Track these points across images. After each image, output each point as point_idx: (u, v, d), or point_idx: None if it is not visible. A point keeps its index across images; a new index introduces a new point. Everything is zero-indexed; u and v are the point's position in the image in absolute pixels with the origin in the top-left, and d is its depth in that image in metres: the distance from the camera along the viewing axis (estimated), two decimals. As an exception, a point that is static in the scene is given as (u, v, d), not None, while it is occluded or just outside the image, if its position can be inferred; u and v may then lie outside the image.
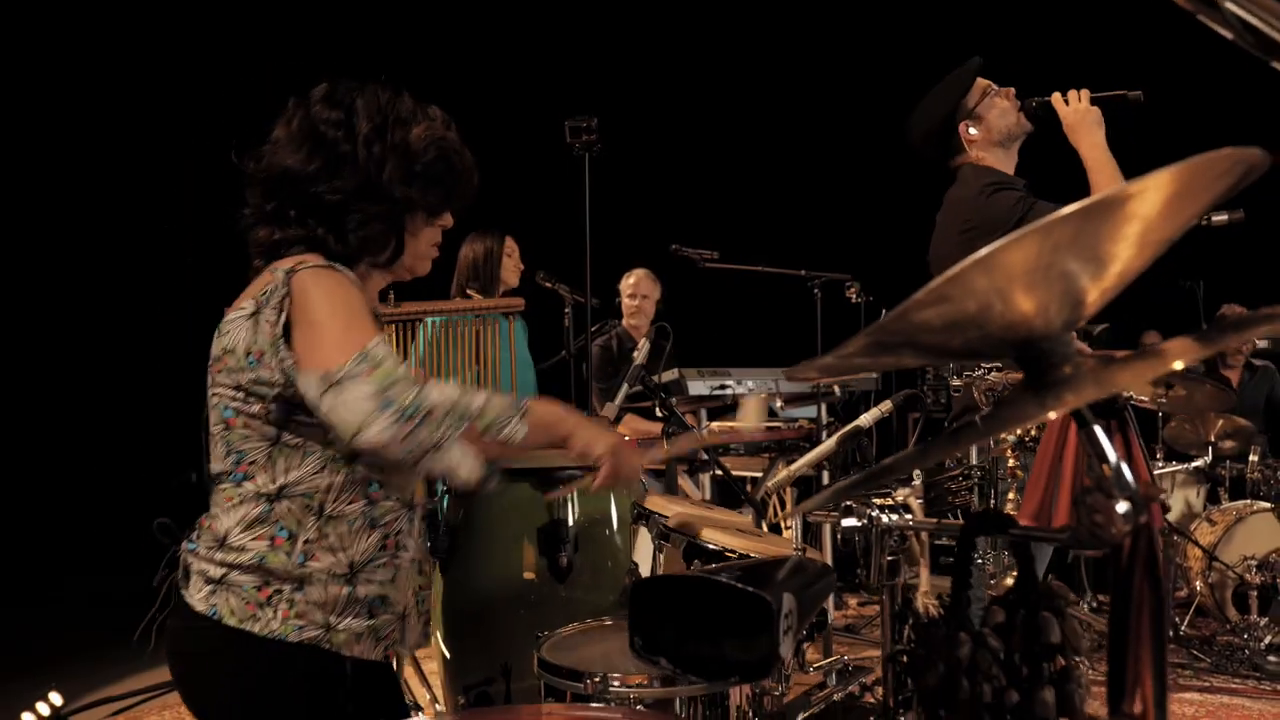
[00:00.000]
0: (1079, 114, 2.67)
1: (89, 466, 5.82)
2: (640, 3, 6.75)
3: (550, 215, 4.47)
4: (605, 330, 4.92)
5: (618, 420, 2.75)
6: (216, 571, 1.46)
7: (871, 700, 1.85)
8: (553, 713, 1.25)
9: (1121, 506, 0.79)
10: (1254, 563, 4.48)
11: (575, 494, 1.94)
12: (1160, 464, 5.07)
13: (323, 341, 1.40)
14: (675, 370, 4.41)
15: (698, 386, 4.47)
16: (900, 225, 3.30)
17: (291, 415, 1.43)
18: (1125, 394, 1.32)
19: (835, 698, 1.60)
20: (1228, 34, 0.73)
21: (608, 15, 6.65)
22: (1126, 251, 0.76)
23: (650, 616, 1.19)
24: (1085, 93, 2.70)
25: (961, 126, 2.87)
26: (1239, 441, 5.03)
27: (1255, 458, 4.90)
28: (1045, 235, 0.73)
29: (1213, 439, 5.02)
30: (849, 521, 1.10)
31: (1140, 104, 2.68)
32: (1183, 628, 4.68)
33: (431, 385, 1.40)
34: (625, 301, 5.08)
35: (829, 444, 1.68)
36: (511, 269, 4.04)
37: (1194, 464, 5.06)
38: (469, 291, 3.62)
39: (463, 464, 1.40)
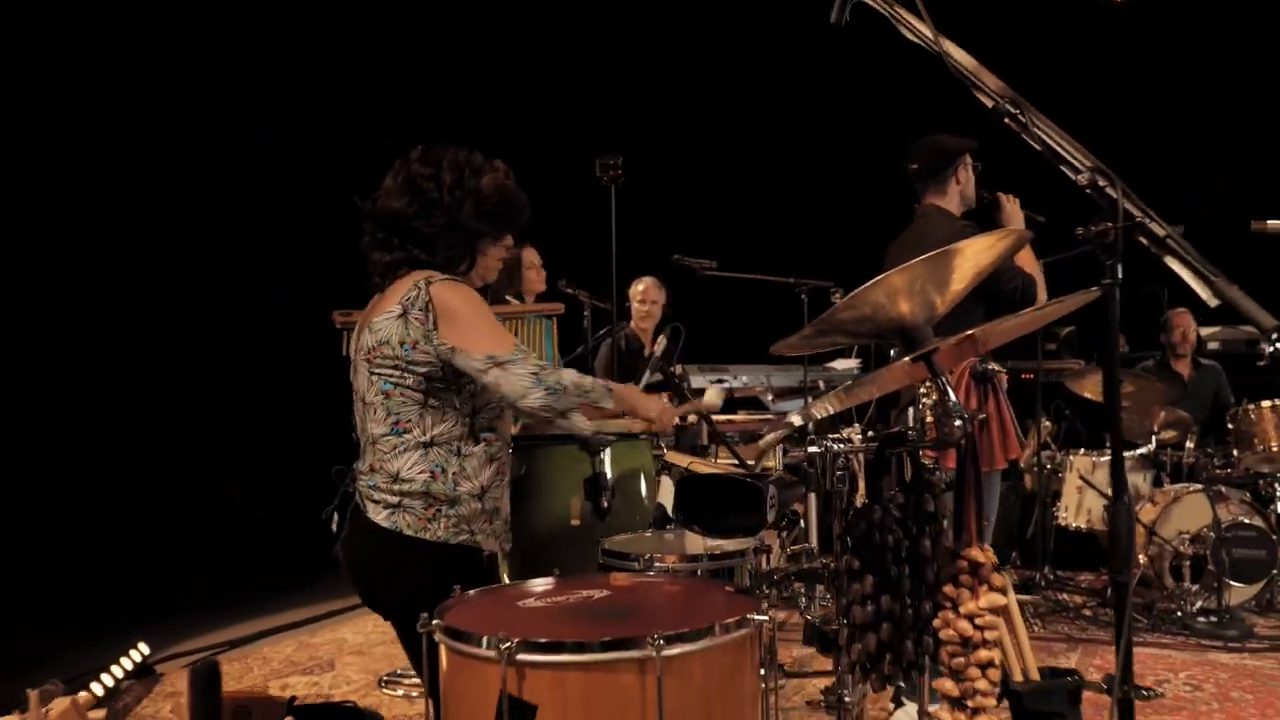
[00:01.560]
0: (1011, 213, 3.38)
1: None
2: (649, 48, 7.28)
3: (570, 230, 5.03)
4: (613, 330, 5.50)
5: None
6: (394, 499, 2.03)
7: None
8: (619, 579, 1.84)
9: (958, 423, 1.39)
10: (1188, 537, 5.07)
11: (611, 452, 2.55)
12: (1110, 450, 5.68)
13: (481, 334, 2.00)
14: (679, 365, 5.00)
15: (698, 380, 5.06)
16: (874, 241, 3.87)
17: (434, 385, 2.04)
18: (994, 368, 1.88)
19: (807, 565, 2.17)
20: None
21: (621, 57, 7.18)
22: (958, 283, 1.37)
23: (689, 502, 1.81)
24: (1016, 201, 3.45)
25: (957, 170, 3.53)
26: (1179, 431, 5.63)
27: (1191, 444, 5.50)
28: (913, 270, 1.34)
29: (1156, 429, 5.61)
30: (813, 449, 1.69)
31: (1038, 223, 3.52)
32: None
33: (564, 371, 2.03)
34: (635, 306, 5.65)
35: (792, 421, 2.28)
36: (535, 276, 4.63)
37: (1139, 451, 5.67)
38: (507, 297, 4.21)
39: (578, 421, 2.05)
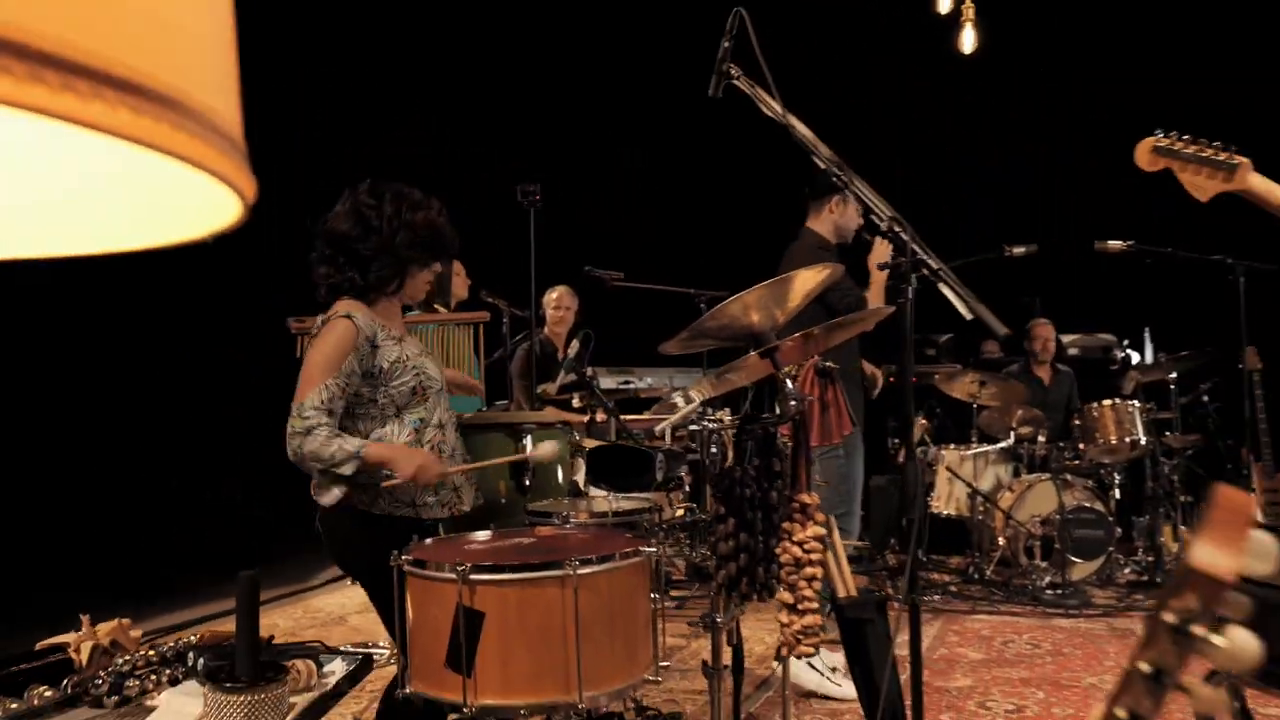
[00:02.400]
0: (877, 253, 3.94)
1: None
2: (570, 87, 7.80)
3: (492, 245, 5.46)
4: (529, 336, 5.97)
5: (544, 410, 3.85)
6: (346, 482, 2.45)
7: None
8: (542, 530, 2.32)
9: (794, 403, 1.91)
10: (1039, 520, 5.75)
11: (532, 438, 3.01)
12: (975, 445, 6.35)
13: (302, 381, 2.39)
14: (590, 367, 5.49)
15: (607, 381, 5.56)
16: (763, 255, 4.42)
17: (353, 404, 2.47)
18: (830, 365, 2.38)
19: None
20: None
21: (544, 95, 7.70)
22: (792, 301, 1.89)
23: (598, 468, 2.30)
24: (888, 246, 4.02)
25: (836, 200, 4.07)
26: (1034, 427, 6.32)
27: (1043, 438, 6.19)
28: (759, 291, 1.85)
29: (1014, 425, 6.30)
30: (693, 427, 2.20)
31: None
32: (988, 572, 5.95)
33: (334, 443, 2.31)
34: (550, 312, 6.12)
35: (684, 412, 2.79)
36: (460, 284, 5.06)
37: (1000, 445, 6.35)
38: (437, 305, 4.64)
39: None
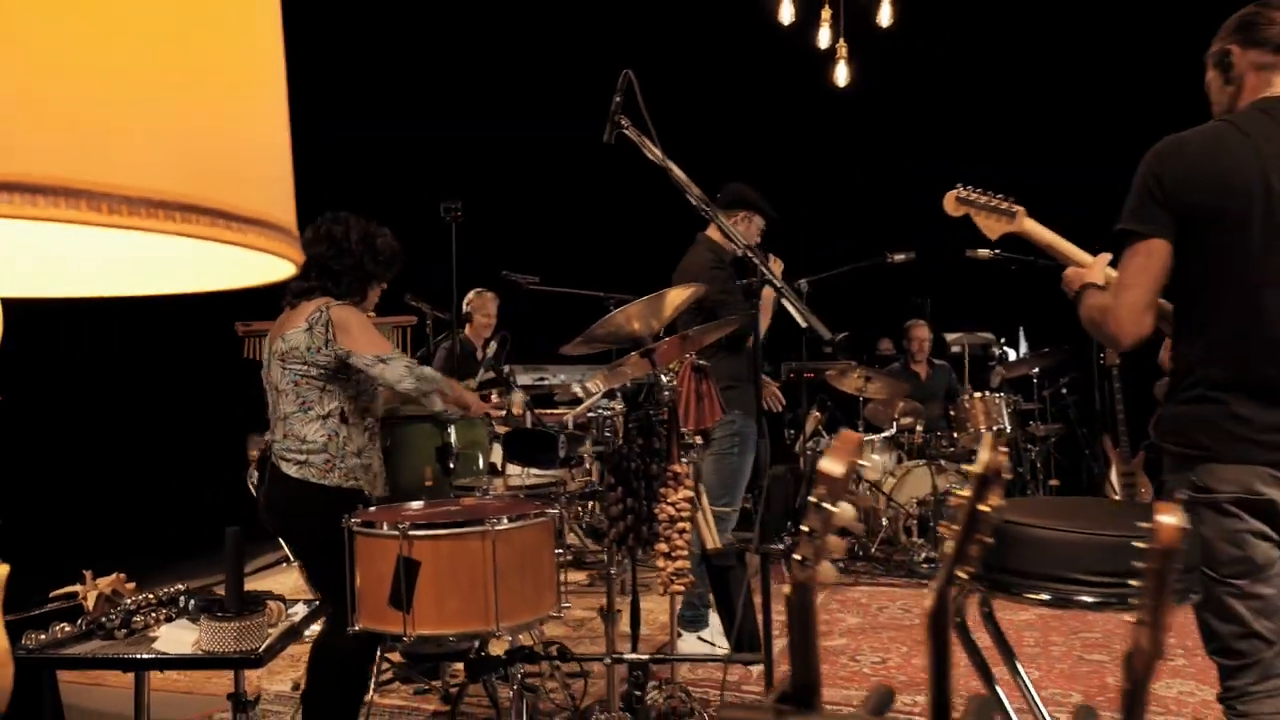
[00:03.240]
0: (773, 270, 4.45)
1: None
2: (493, 105, 8.30)
3: (414, 252, 5.88)
4: (450, 337, 6.38)
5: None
6: (301, 457, 2.85)
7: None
8: (466, 500, 2.78)
9: (667, 393, 2.41)
10: (916, 501, 6.38)
11: (455, 428, 3.46)
12: (862, 435, 6.96)
13: (368, 342, 2.86)
14: (507, 366, 5.93)
15: (523, 378, 6.01)
16: (666, 261, 4.92)
17: (328, 377, 2.90)
18: (701, 360, 2.85)
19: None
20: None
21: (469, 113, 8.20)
22: (666, 310, 2.39)
23: (512, 448, 2.77)
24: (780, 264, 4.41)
25: (740, 215, 4.53)
26: (913, 418, 6.96)
27: (920, 428, 6.83)
28: (640, 304, 2.34)
29: (896, 416, 6.92)
30: (591, 414, 2.68)
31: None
32: (873, 549, 6.55)
33: (424, 368, 2.90)
34: (479, 318, 6.52)
35: (587, 403, 3.27)
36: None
37: (884, 435, 6.97)
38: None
39: (435, 401, 2.93)
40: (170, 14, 0.77)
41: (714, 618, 4.33)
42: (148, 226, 0.76)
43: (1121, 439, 7.85)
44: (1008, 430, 6.66)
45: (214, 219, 0.80)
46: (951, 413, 6.86)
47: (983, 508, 1.09)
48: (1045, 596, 1.88)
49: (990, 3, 8.01)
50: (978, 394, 6.75)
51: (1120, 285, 2.10)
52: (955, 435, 6.76)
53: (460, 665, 3.36)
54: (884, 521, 6.60)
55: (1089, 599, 1.88)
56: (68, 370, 5.26)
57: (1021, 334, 8.89)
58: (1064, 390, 7.06)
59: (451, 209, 4.25)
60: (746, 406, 4.25)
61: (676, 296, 2.32)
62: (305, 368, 2.89)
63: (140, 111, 0.76)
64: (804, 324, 2.39)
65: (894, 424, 6.91)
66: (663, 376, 2.35)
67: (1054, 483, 7.71)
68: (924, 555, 6.26)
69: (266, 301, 3.12)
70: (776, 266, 4.38)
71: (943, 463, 6.57)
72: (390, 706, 3.74)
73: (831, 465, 1.07)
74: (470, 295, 6.65)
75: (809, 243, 8.81)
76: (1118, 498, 7.82)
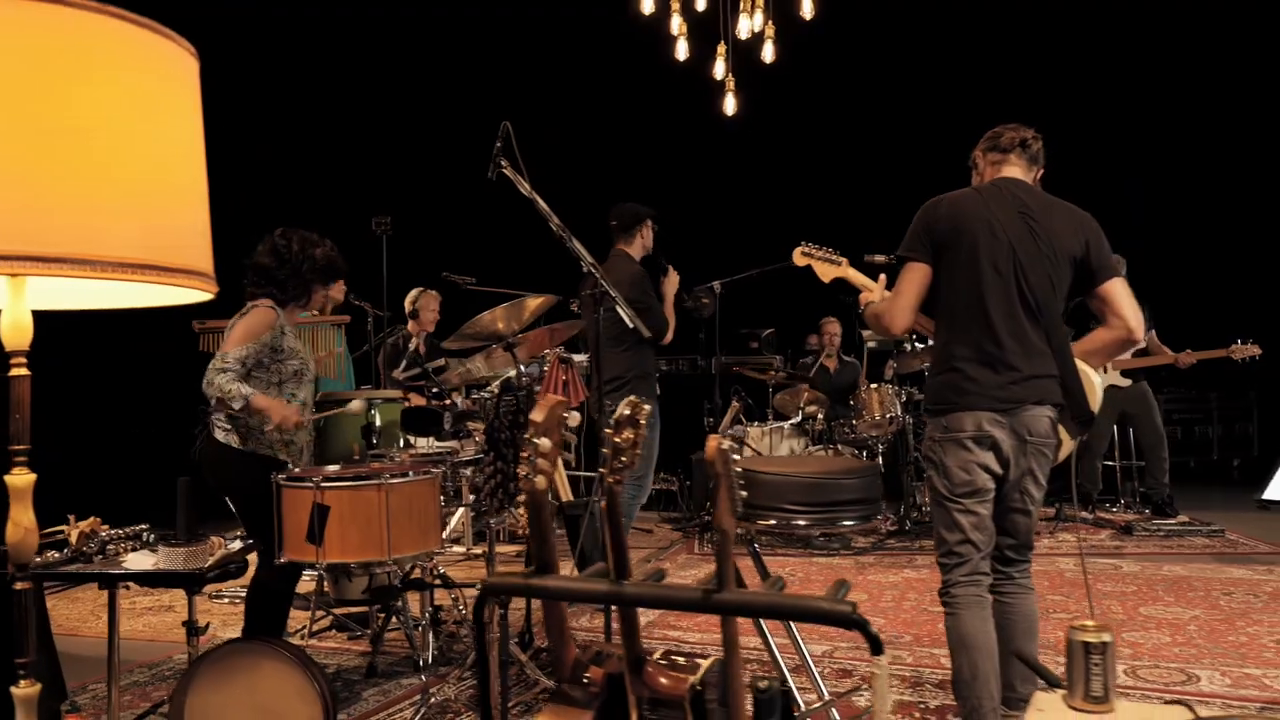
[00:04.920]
0: (673, 282, 5.09)
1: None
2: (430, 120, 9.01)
3: (357, 256, 6.54)
4: (394, 333, 7.05)
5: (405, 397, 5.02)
6: (228, 426, 3.48)
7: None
8: (375, 464, 3.46)
9: (524, 378, 3.10)
10: (814, 481, 7.09)
11: (379, 408, 4.13)
12: (771, 422, 7.67)
13: (232, 342, 3.34)
14: (443, 359, 6.60)
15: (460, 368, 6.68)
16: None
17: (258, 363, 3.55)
18: (568, 355, 3.52)
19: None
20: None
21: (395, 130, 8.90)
22: (525, 314, 3.07)
23: (409, 423, 3.47)
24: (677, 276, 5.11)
25: (643, 227, 5.24)
26: (818, 407, 7.68)
27: (821, 416, 7.55)
28: (504, 308, 3.03)
29: (802, 405, 7.64)
30: (475, 395, 3.34)
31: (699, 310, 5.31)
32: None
33: (235, 387, 3.29)
34: (427, 315, 7.16)
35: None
36: (338, 290, 6.09)
37: (791, 421, 7.68)
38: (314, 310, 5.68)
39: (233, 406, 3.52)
40: (139, 168, 1.46)
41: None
42: (122, 277, 1.45)
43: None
44: (900, 418, 7.39)
45: (160, 271, 1.49)
46: (852, 402, 7.59)
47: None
48: (772, 522, 2.59)
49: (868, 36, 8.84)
50: (874, 385, 7.47)
51: (897, 292, 2.95)
52: (855, 422, 7.49)
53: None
54: (788, 500, 7.31)
55: (802, 522, 2.59)
56: (71, 364, 5.98)
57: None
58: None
59: (380, 223, 4.92)
60: (650, 395, 4.96)
61: (535, 302, 3.00)
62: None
63: (121, 214, 1.44)
64: (631, 325, 3.08)
65: (800, 412, 7.63)
66: (521, 367, 3.04)
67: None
68: (819, 532, 6.97)
69: (216, 305, 3.77)
70: (674, 276, 5.08)
71: (840, 447, 7.29)
72: (328, 649, 4.41)
73: (536, 413, 1.77)
74: (415, 293, 7.30)
75: (722, 249, 9.58)
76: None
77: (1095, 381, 2.89)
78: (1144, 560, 6.14)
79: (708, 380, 7.97)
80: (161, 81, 1.51)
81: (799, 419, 7.64)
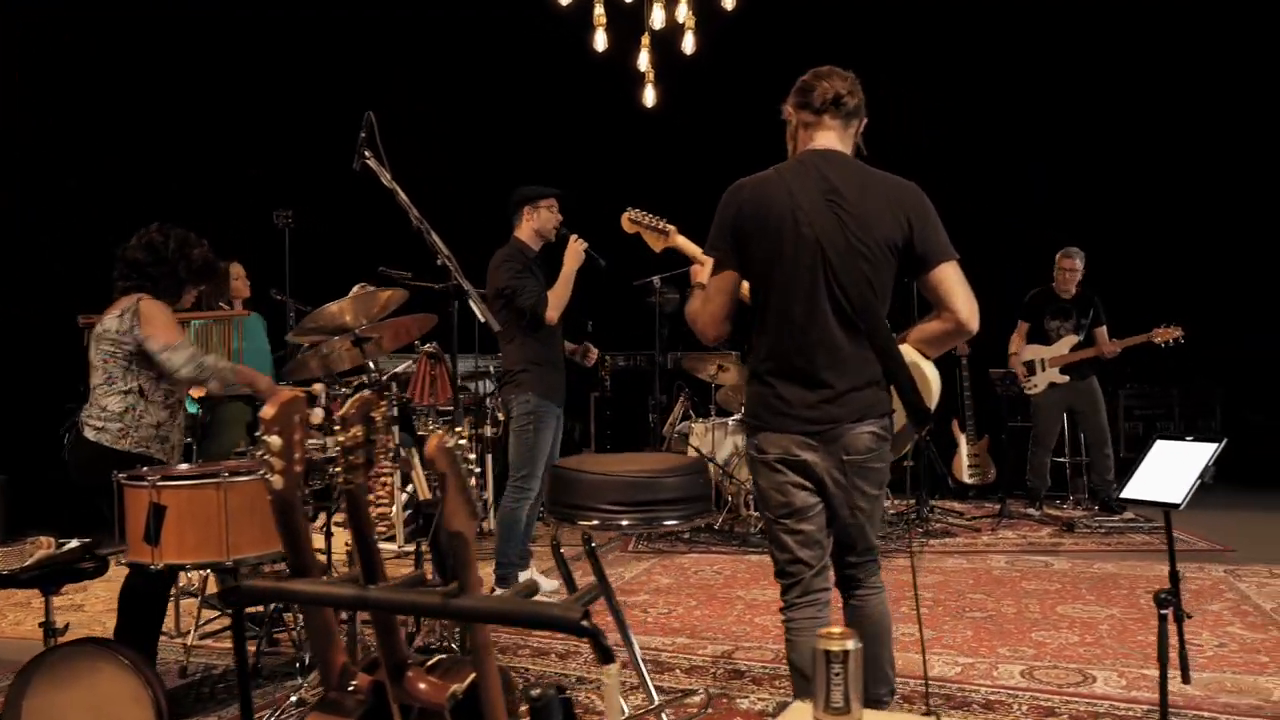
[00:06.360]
0: (574, 253, 4.91)
1: None
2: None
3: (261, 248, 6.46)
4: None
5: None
6: (100, 424, 3.42)
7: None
8: (229, 463, 3.37)
9: (375, 375, 3.02)
10: (754, 478, 7.00)
11: (261, 406, 4.05)
12: (715, 418, 7.59)
13: (165, 332, 3.40)
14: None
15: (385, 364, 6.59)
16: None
17: (133, 358, 3.48)
18: (437, 351, 3.44)
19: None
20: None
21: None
22: (376, 306, 2.99)
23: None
24: (583, 242, 4.89)
25: (526, 210, 5.09)
26: (761, 403, 7.57)
27: (763, 412, 7.44)
28: (351, 300, 2.94)
29: (743, 402, 7.53)
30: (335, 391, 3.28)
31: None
32: (716, 524, 7.18)
33: (209, 355, 3.45)
34: None
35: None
36: (240, 285, 5.97)
37: (735, 418, 7.59)
38: (220, 304, 5.58)
39: (216, 386, 3.49)
40: None
41: (523, 575, 4.94)
42: None
43: (968, 423, 8.56)
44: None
45: None
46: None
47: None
48: (595, 522, 2.51)
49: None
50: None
51: (707, 296, 2.69)
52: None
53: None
54: (728, 498, 7.24)
55: (625, 523, 2.51)
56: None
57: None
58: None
59: (283, 216, 4.83)
60: (544, 389, 4.83)
61: (384, 295, 2.92)
62: (113, 348, 3.46)
63: None
64: (482, 319, 3.00)
65: (742, 408, 7.53)
66: (374, 366, 2.96)
67: (907, 464, 8.36)
68: (758, 527, 6.89)
69: (107, 299, 3.70)
70: (576, 247, 4.90)
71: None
72: (223, 648, 4.33)
73: (266, 410, 1.69)
74: (354, 290, 7.22)
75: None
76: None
77: (930, 376, 2.71)
78: (1077, 558, 6.06)
79: (664, 375, 7.90)
80: None
81: (741, 415, 7.55)
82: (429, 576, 4.67)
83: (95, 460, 3.37)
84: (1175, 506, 2.66)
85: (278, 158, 7.95)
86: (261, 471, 1.75)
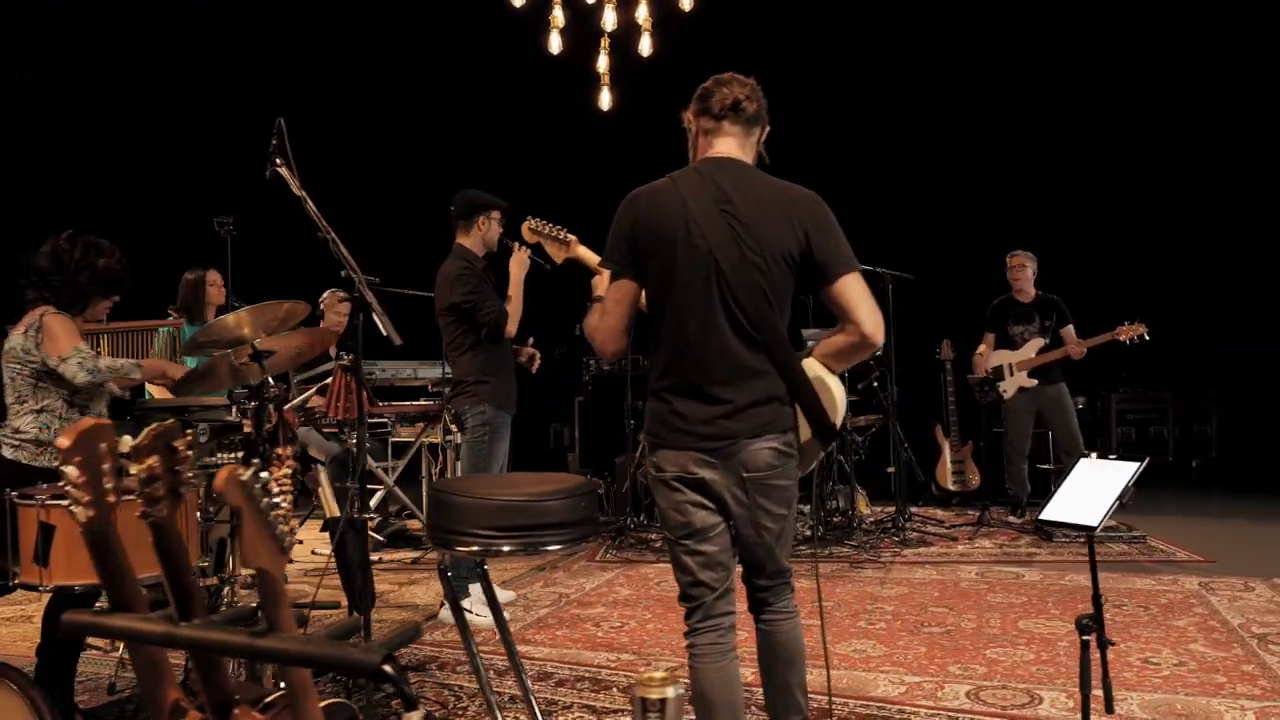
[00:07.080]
0: (520, 261, 4.80)
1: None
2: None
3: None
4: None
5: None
6: (15, 443, 3.34)
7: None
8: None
9: (272, 390, 2.92)
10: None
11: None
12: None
13: (58, 344, 3.34)
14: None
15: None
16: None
17: (41, 375, 3.40)
18: (350, 364, 3.34)
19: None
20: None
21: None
22: (273, 321, 2.90)
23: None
24: (526, 250, 4.72)
25: (480, 219, 4.97)
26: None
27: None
28: (249, 311, 2.85)
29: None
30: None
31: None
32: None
33: (101, 359, 3.40)
34: (333, 317, 6.97)
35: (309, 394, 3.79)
36: (217, 294, 5.91)
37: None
38: (170, 311, 5.50)
39: (116, 387, 3.41)
40: None
41: (475, 589, 4.83)
42: None
43: (952, 429, 8.43)
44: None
45: None
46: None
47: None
48: (475, 548, 2.40)
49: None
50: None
51: (605, 310, 2.58)
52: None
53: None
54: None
55: (506, 548, 2.40)
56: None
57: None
58: (875, 384, 7.56)
59: (223, 223, 4.75)
60: (499, 399, 4.73)
61: (283, 306, 2.83)
62: (20, 366, 3.39)
63: None
64: (385, 332, 2.91)
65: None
66: (289, 375, 2.87)
67: (891, 469, 8.22)
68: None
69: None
70: (523, 254, 4.78)
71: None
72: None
73: (63, 439, 1.59)
74: (325, 295, 7.13)
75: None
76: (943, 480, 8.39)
77: (835, 390, 2.59)
78: (1049, 569, 5.92)
79: (643, 380, 7.76)
80: None
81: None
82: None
83: (12, 479, 3.29)
84: (1092, 529, 2.52)
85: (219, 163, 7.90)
86: (67, 503, 1.65)
